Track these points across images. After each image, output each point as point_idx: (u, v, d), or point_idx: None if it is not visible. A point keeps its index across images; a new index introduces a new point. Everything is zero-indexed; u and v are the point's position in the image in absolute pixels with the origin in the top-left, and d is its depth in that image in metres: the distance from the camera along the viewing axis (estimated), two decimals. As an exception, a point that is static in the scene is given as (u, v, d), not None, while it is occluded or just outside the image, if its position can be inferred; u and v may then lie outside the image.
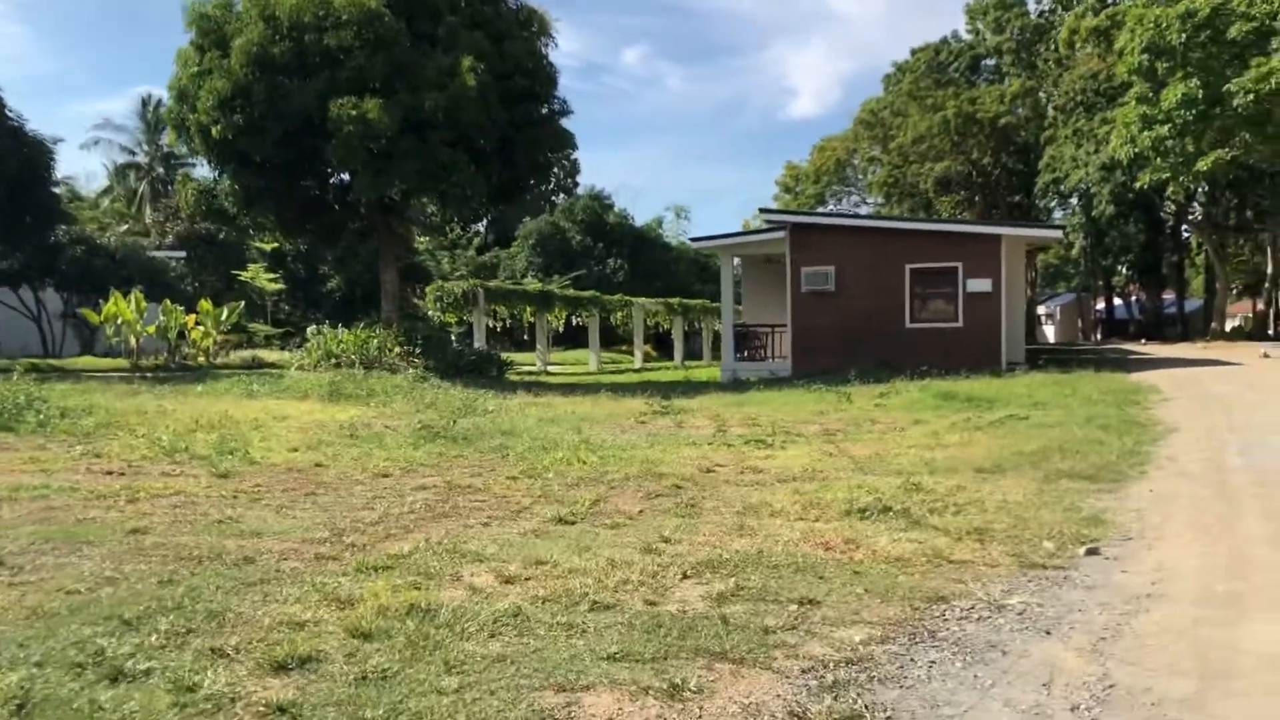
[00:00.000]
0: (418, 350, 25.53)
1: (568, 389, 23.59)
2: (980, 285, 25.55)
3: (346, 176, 26.65)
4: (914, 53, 59.56)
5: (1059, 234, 25.95)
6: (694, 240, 28.35)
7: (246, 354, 34.13)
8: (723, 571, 6.44)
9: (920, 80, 56.19)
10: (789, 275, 26.64)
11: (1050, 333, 67.41)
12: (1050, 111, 48.64)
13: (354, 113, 22.82)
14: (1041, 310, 68.80)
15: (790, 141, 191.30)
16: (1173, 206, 48.31)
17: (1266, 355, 28.17)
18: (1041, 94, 50.49)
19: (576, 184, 79.85)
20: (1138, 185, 29.83)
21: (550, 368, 37.67)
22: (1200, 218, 46.41)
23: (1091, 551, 6.81)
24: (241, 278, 40.76)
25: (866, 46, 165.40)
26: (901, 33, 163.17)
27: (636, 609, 5.70)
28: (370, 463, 11.58)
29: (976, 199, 55.12)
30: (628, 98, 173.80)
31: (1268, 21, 20.47)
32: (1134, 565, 6.50)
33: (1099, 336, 65.22)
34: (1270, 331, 45.56)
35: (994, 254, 25.59)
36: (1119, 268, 59.77)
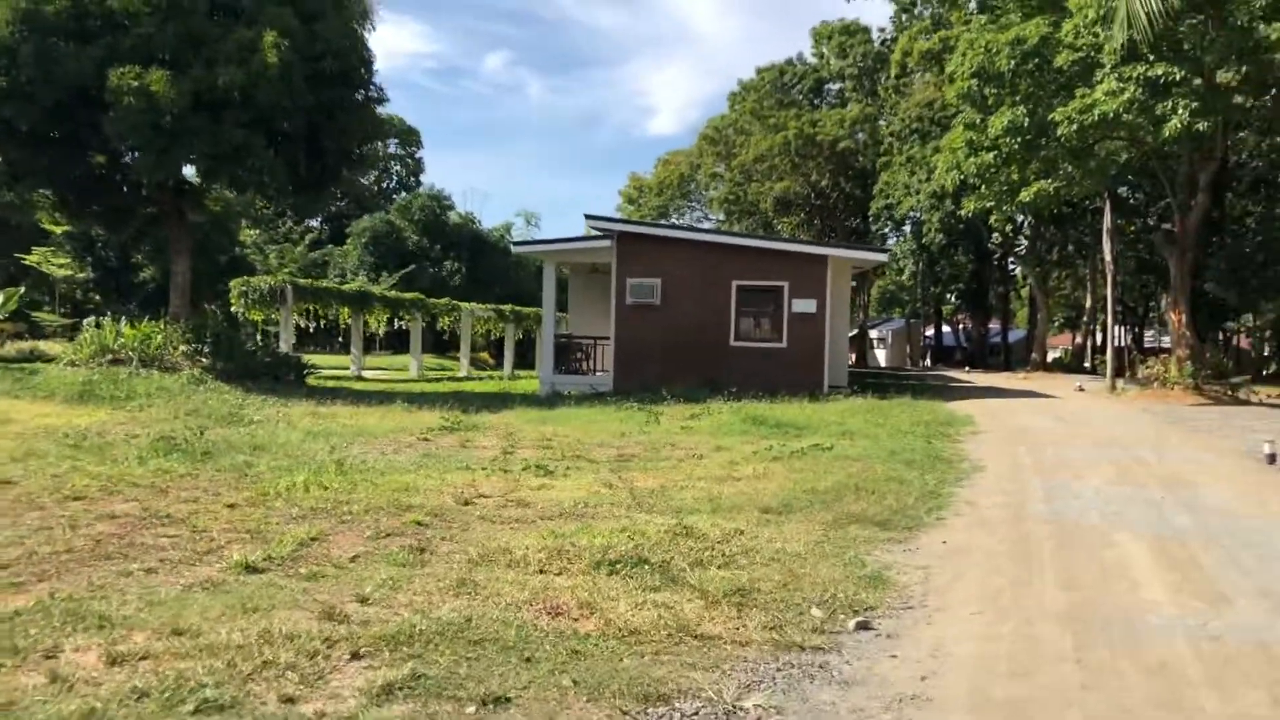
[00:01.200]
0: (205, 349, 23.26)
1: (365, 397, 21.80)
2: (805, 306, 25.00)
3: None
4: (759, 72, 59.73)
5: (884, 257, 25.62)
6: (516, 245, 26.91)
7: (26, 345, 30.98)
8: (407, 649, 5.10)
9: (764, 99, 56.32)
10: (614, 286, 25.53)
11: (882, 357, 68.64)
12: (887, 138, 49.24)
13: (136, 84, 20.55)
14: (874, 334, 70.04)
15: (648, 157, 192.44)
16: (999, 238, 49.56)
17: (1081, 388, 28.58)
18: (881, 121, 51.12)
19: (419, 182, 76.84)
20: (962, 212, 29.98)
21: (365, 373, 35.55)
22: (1024, 250, 47.71)
23: (863, 625, 5.71)
24: (26, 262, 37.11)
25: (725, 68, 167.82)
26: (759, 56, 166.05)
27: (262, 712, 4.28)
28: (72, 481, 9.78)
29: (815, 221, 55.47)
30: (488, 103, 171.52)
31: (1092, 54, 20.43)
32: (907, 647, 5.42)
33: (928, 362, 66.76)
34: (1087, 364, 47.10)
35: (820, 275, 25.08)
36: (948, 296, 61.16)
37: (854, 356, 62.51)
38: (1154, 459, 12.85)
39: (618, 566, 6.95)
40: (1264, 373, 42.61)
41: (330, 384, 28.89)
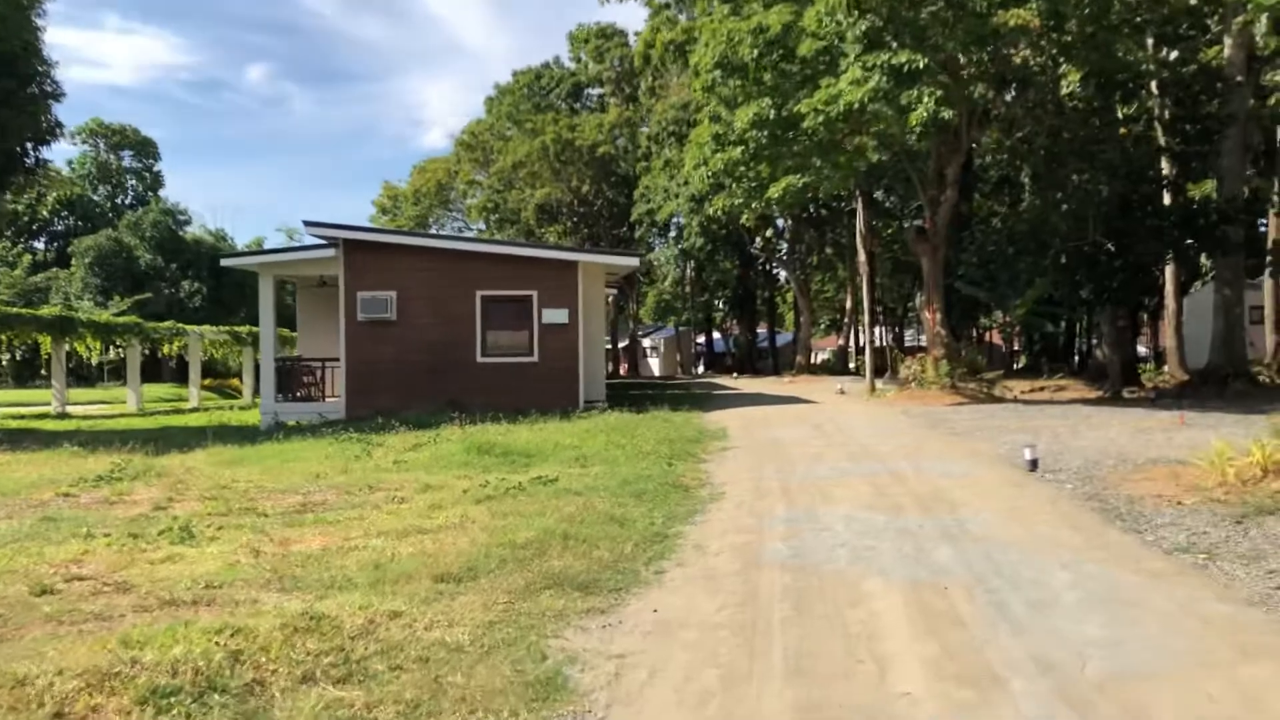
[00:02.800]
0: None
1: (40, 439, 18.30)
2: (557, 316, 23.13)
3: None
4: (516, 75, 57.75)
5: (634, 262, 24.11)
6: (225, 258, 23.77)
7: None
8: None
9: (520, 104, 54.39)
10: (343, 301, 22.81)
11: (655, 366, 67.95)
12: (646, 142, 48.21)
13: None
14: (647, 343, 69.32)
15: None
16: (761, 242, 49.48)
17: (842, 391, 27.95)
18: (643, 128, 50.07)
19: (158, 197, 70.86)
20: (711, 210, 28.92)
21: (71, 409, 31.14)
22: (786, 254, 47.77)
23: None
24: None
25: (498, 80, 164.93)
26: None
27: None
28: None
29: (583, 229, 53.92)
30: (252, 116, 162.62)
31: (836, 41, 19.43)
32: None
33: (701, 370, 66.54)
34: (851, 366, 47.49)
35: (571, 283, 23.26)
36: (717, 302, 61.04)
37: (625, 367, 61.49)
38: (912, 472, 11.51)
39: (175, 700, 4.73)
40: (1014, 367, 44.04)
41: (12, 424, 24.83)
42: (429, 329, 22.86)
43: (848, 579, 6.84)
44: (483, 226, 55.59)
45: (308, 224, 22.55)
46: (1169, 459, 12.05)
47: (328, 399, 23.95)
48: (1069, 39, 19.67)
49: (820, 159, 22.27)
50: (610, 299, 54.09)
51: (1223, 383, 23.62)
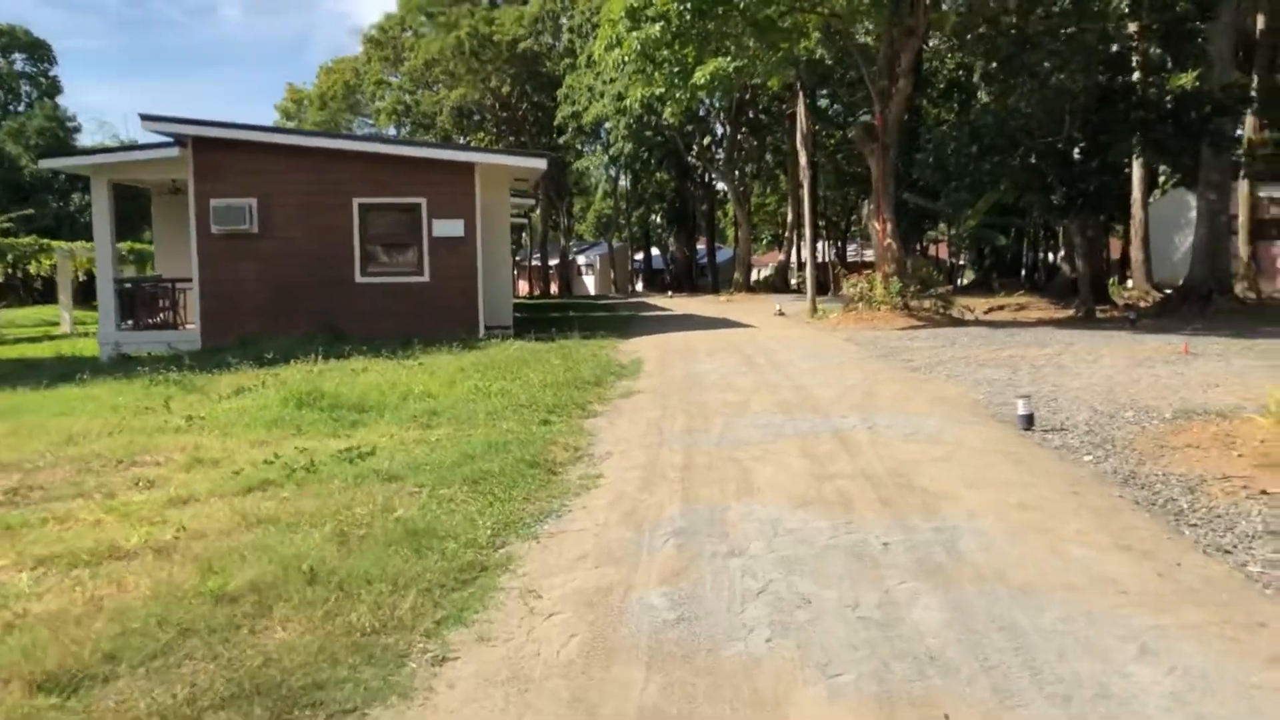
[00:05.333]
0: None
1: None
2: (450, 228, 19.82)
3: None
4: (429, -41, 52.54)
5: (542, 163, 20.68)
6: (42, 158, 19.88)
7: None
8: None
9: (434, -6, 49.54)
10: (193, 210, 19.27)
11: (590, 285, 64.51)
12: (568, 35, 43.98)
13: None
14: (581, 260, 65.73)
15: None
16: (697, 149, 45.82)
17: (781, 312, 24.94)
18: (563, 19, 45.70)
19: (55, 104, 65.16)
20: (628, 102, 25.39)
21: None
22: (723, 163, 44.21)
23: None
24: None
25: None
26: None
27: None
28: None
29: (506, 135, 49.79)
30: (177, 27, 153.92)
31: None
32: None
33: (640, 287, 63.26)
34: (792, 283, 44.54)
35: (468, 189, 19.89)
36: (654, 216, 57.50)
37: (557, 286, 58.01)
38: (865, 433, 8.46)
39: None
40: (959, 283, 41.33)
41: None
42: (298, 243, 19.46)
43: (766, 696, 3.76)
44: (393, 131, 51.14)
45: (145, 117, 18.78)
46: (1199, 408, 9.15)
47: (185, 326, 20.44)
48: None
49: (755, 39, 18.84)
50: (535, 210, 50.51)
51: (1205, 300, 20.97)
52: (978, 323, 20.44)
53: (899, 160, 22.58)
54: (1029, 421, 8.52)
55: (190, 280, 19.76)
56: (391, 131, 50.78)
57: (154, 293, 21.09)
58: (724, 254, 62.78)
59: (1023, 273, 42.47)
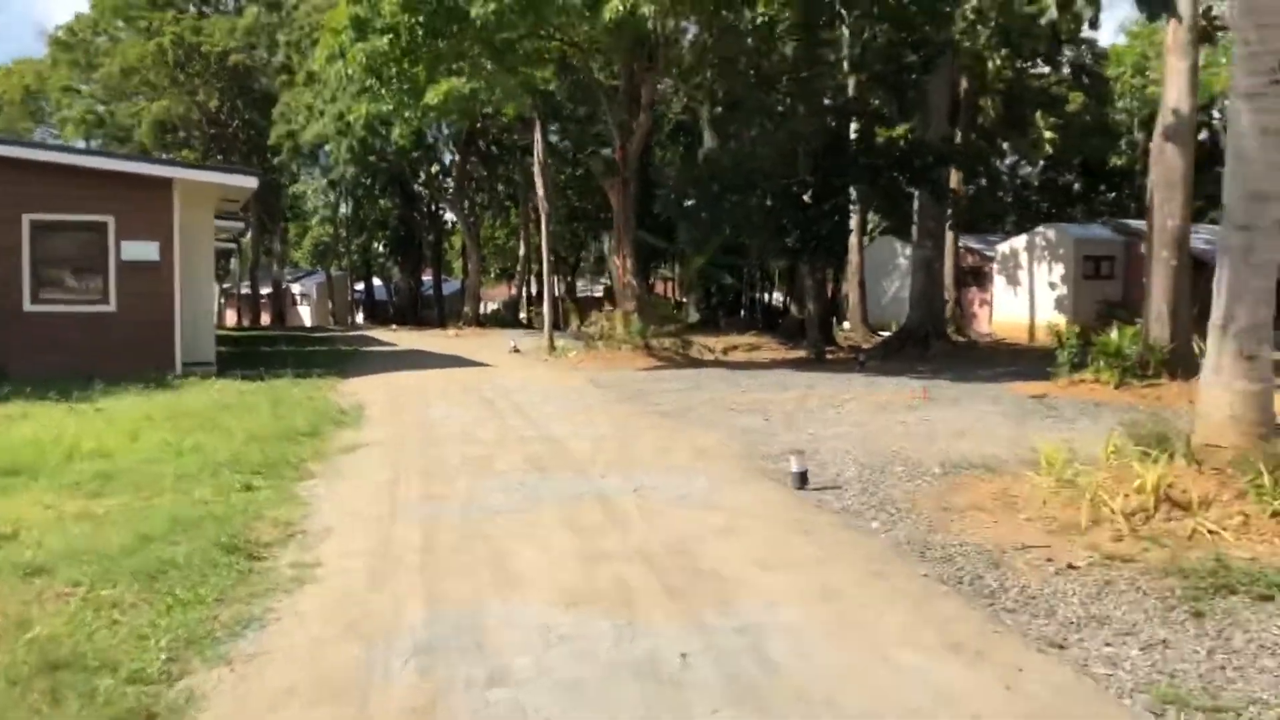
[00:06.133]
0: None
1: None
2: (143, 251, 17.48)
3: None
4: (128, -41, 47.93)
5: (253, 182, 18.62)
6: None
7: None
8: None
9: (132, -3, 45.16)
10: None
11: (306, 315, 60.89)
12: (285, 49, 41.17)
13: None
14: (297, 289, 62.00)
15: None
16: (424, 176, 44.07)
17: (517, 349, 23.86)
18: (280, 34, 42.76)
19: None
20: (351, 118, 23.67)
21: None
22: (453, 193, 42.73)
23: None
24: None
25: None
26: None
27: None
28: None
29: (214, 154, 46.02)
30: None
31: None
32: None
33: (361, 318, 60.37)
34: (523, 317, 43.66)
35: (164, 207, 17.64)
36: (377, 245, 54.97)
37: (270, 316, 54.35)
38: (631, 497, 7.48)
39: None
40: (686, 322, 41.85)
41: None
42: (-48, 264, 16.51)
43: None
44: (83, 144, 46.11)
45: None
46: (963, 461, 8.85)
47: None
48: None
49: (492, 61, 17.76)
50: (246, 235, 46.93)
51: (924, 343, 21.78)
52: (717, 363, 20.20)
53: (639, 191, 22.15)
54: (803, 479, 7.84)
55: None
56: (81, 143, 45.74)
57: None
58: (450, 286, 61.07)
59: (742, 312, 43.61)
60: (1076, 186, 49.34)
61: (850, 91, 20.75)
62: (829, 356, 21.78)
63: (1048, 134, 32.22)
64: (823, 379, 16.78)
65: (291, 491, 7.78)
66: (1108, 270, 29.93)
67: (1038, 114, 32.38)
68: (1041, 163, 43.79)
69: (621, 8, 15.06)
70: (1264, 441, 6.68)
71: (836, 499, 7.49)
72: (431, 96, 17.29)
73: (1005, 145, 34.86)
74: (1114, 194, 51.22)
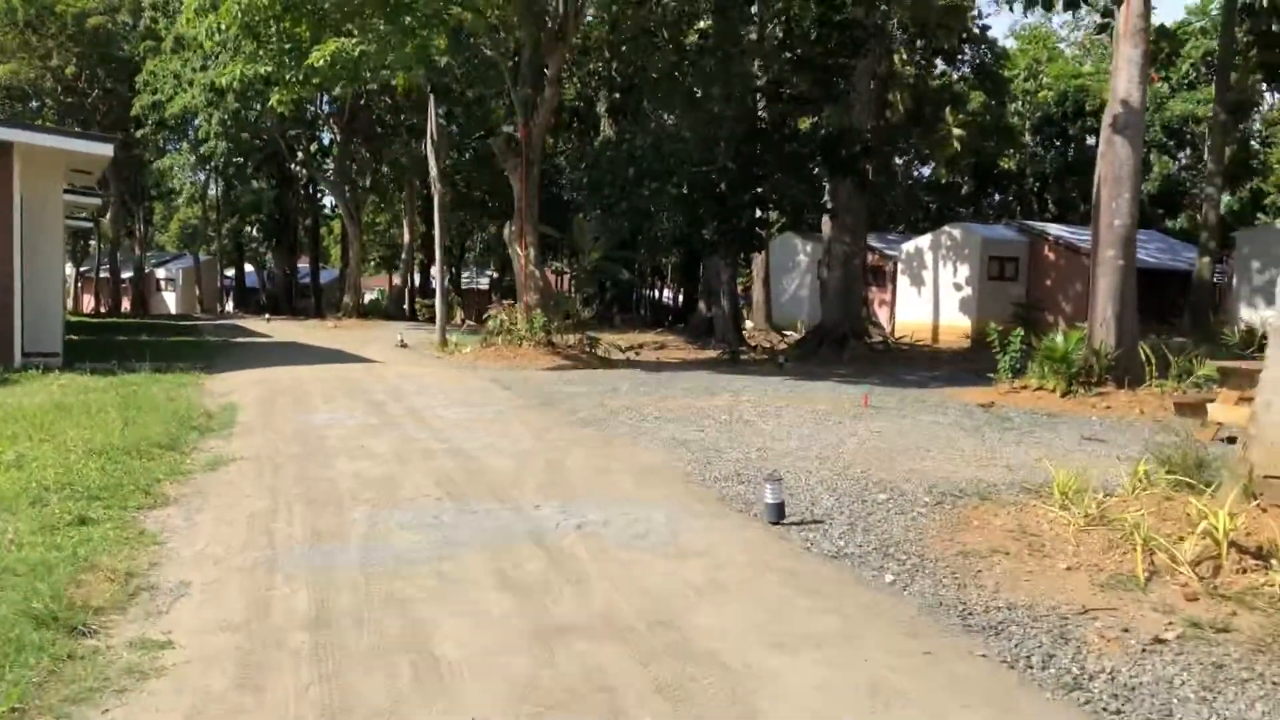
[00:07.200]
0: None
1: None
2: (-26, 224, 15.26)
3: None
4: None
5: (108, 149, 16.48)
6: None
7: None
8: None
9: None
10: None
11: (171, 302, 57.22)
12: (149, 11, 37.99)
13: None
14: (162, 274, 58.20)
15: None
16: (302, 155, 41.36)
17: (404, 344, 22.04)
18: (146, -5, 39.46)
19: None
20: (223, 81, 21.30)
21: None
22: (333, 174, 40.20)
23: None
24: None
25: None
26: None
27: None
28: None
29: (69, 124, 42.39)
30: None
31: None
32: None
33: (232, 307, 57.05)
34: (406, 308, 41.50)
35: (2, 176, 15.47)
36: (250, 229, 51.83)
37: (130, 302, 50.79)
38: (581, 544, 5.97)
39: None
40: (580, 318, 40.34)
41: None
42: None
43: None
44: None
45: None
46: (947, 484, 7.68)
47: None
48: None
49: (386, 21, 15.96)
50: (105, 215, 43.53)
51: (841, 343, 20.78)
52: (629, 364, 18.78)
53: (544, 173, 20.61)
54: (779, 512, 6.50)
55: None
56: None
57: None
58: (327, 274, 58.19)
59: (639, 309, 42.42)
60: (965, 189, 49.57)
61: (774, 74, 19.59)
62: (743, 357, 20.61)
63: (956, 131, 31.87)
64: (747, 382, 15.54)
65: (138, 527, 6.08)
66: (1012, 271, 29.64)
67: (947, 111, 31.94)
68: (933, 162, 43.74)
69: (534, -34, 13.53)
70: (1342, 475, 5.60)
71: (824, 538, 6.17)
72: (317, 58, 15.39)
73: (913, 141, 34.40)
74: (1000, 196, 51.77)
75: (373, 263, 67.75)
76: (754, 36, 17.26)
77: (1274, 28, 18.45)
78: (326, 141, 43.05)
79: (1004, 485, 7.63)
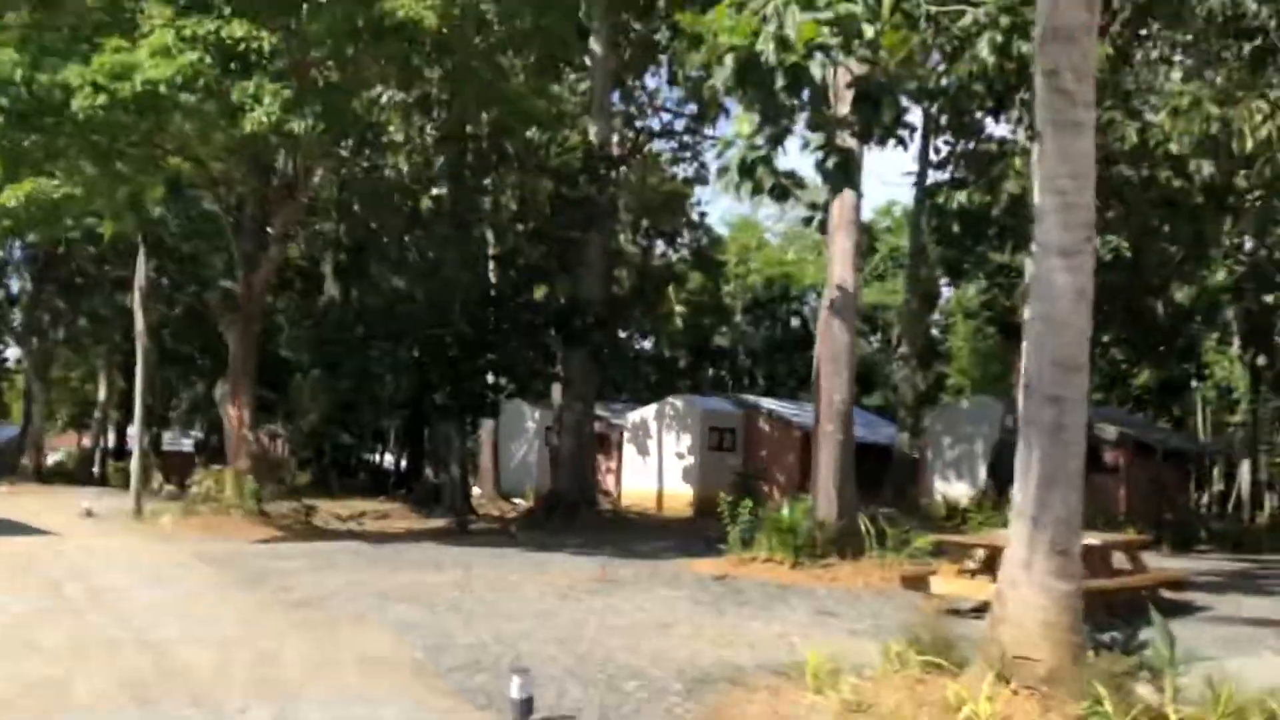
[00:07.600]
0: None
1: None
2: None
3: None
4: None
5: None
6: None
7: None
8: None
9: None
10: None
11: None
12: None
13: None
14: None
15: None
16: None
17: (90, 513, 19.70)
18: None
19: None
20: None
21: None
22: (21, 325, 36.52)
23: None
24: None
25: None
26: None
27: None
28: None
29: None
30: None
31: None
32: None
33: None
34: (97, 471, 37.75)
35: None
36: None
37: None
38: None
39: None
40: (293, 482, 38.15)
41: None
42: None
43: None
44: None
45: None
46: (694, 668, 7.38)
47: None
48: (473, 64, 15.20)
49: (96, 164, 14.79)
50: None
51: (573, 511, 20.50)
52: (350, 534, 17.57)
53: (265, 330, 19.49)
54: (527, 709, 5.92)
55: None
56: None
57: None
58: (6, 431, 52.21)
59: (359, 474, 40.58)
60: (683, 362, 51.76)
61: (509, 243, 19.70)
62: (473, 527, 19.84)
63: (679, 308, 33.27)
64: (478, 555, 14.82)
65: None
66: (730, 442, 30.66)
67: (669, 288, 33.40)
68: (653, 337, 45.60)
69: (265, 120, 12.98)
70: (1080, 652, 5.73)
71: (576, 737, 5.65)
72: (8, 197, 13.93)
73: (638, 315, 35.66)
74: (715, 370, 54.39)
75: (59, 421, 61.70)
76: (488, 206, 17.38)
77: (954, 229, 20.52)
78: (15, 290, 39.42)
79: (751, 667, 7.42)
